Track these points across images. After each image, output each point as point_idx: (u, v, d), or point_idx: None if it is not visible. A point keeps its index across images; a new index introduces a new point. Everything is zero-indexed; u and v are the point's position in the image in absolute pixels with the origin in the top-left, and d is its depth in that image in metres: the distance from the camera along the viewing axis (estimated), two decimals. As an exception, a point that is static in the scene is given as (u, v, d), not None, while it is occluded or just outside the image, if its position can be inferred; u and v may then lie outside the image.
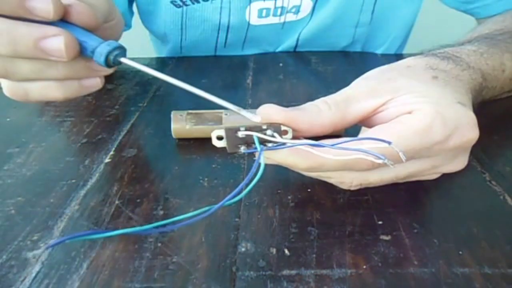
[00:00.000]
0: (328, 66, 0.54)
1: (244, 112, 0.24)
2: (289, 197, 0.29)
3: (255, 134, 0.23)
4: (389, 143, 0.22)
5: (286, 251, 0.24)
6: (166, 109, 0.41)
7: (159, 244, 0.25)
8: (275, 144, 0.23)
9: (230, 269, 0.23)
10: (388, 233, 0.25)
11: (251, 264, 0.23)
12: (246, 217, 0.27)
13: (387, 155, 0.22)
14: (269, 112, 0.24)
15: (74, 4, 0.25)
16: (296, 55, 0.60)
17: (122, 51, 0.25)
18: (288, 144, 0.23)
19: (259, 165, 0.22)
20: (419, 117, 0.24)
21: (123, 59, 0.25)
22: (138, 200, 0.29)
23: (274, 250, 0.24)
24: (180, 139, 0.36)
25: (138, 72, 0.53)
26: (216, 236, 0.25)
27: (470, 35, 0.41)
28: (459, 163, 0.27)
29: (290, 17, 0.57)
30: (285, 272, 0.23)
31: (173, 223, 0.19)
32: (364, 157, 0.22)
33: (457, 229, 0.26)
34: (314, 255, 0.24)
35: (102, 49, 0.24)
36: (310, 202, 0.28)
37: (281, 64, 0.55)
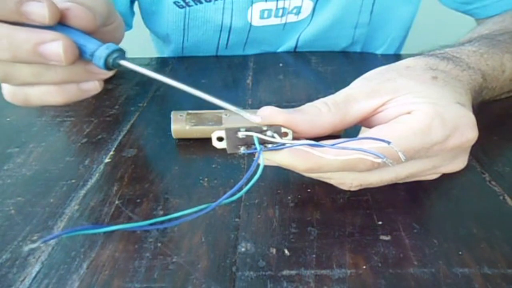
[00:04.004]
0: (328, 66, 0.54)
1: (244, 113, 0.24)
2: (289, 197, 0.29)
3: (255, 135, 0.23)
4: (389, 142, 0.22)
5: (286, 251, 0.24)
6: (166, 109, 0.41)
7: (159, 244, 0.25)
8: (274, 145, 0.23)
9: (230, 269, 0.23)
10: (388, 233, 0.26)
11: (251, 264, 0.23)
12: (246, 217, 0.27)
13: (387, 155, 0.22)
14: (269, 114, 0.24)
15: (72, 8, 0.25)
16: (296, 55, 0.60)
17: (121, 53, 0.25)
18: (288, 145, 0.23)
19: (258, 165, 0.22)
20: (419, 118, 0.24)
21: (122, 62, 0.25)
22: (138, 200, 0.29)
23: (274, 250, 0.24)
24: (180, 139, 0.36)
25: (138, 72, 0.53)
26: (216, 236, 0.25)
27: (469, 36, 0.41)
28: (459, 163, 0.27)
29: (291, 18, 0.58)
30: (285, 272, 0.23)
31: (171, 220, 0.19)
32: (363, 157, 0.22)
33: (457, 229, 0.26)
34: (314, 255, 0.24)
35: (101, 52, 0.24)
36: (310, 202, 0.28)
37: (281, 64, 0.55)
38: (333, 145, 0.23)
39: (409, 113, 0.25)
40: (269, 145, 0.23)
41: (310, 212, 0.27)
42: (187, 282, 0.22)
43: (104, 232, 0.26)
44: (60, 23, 0.25)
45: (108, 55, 0.24)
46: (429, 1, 0.60)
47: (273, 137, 0.23)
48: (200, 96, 0.24)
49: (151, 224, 0.19)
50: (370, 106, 0.26)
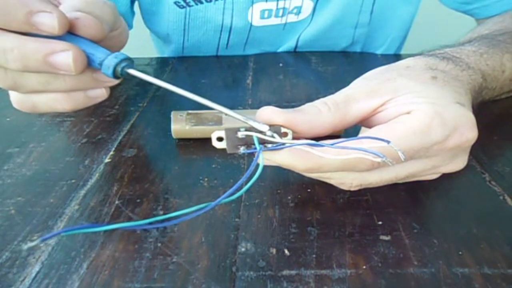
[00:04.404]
0: (328, 66, 0.54)
1: (252, 122, 0.24)
2: (289, 197, 0.29)
3: (254, 135, 0.23)
4: (388, 142, 0.22)
5: (286, 251, 0.24)
6: (166, 109, 0.41)
7: (159, 244, 0.25)
8: (274, 145, 0.23)
9: (230, 269, 0.23)
10: (388, 233, 0.26)
11: (251, 264, 0.23)
12: (246, 217, 0.27)
13: (386, 154, 0.22)
14: (268, 114, 0.24)
15: (81, 17, 0.25)
16: (296, 55, 0.60)
17: (130, 62, 0.25)
18: (287, 144, 0.23)
19: (258, 164, 0.22)
20: (418, 117, 0.24)
21: (130, 71, 0.25)
22: (138, 200, 0.29)
23: (274, 250, 0.24)
24: (180, 139, 0.36)
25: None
26: (216, 236, 0.25)
27: (469, 36, 0.41)
28: (459, 163, 0.27)
29: (292, 18, 0.58)
30: (285, 272, 0.23)
31: (170, 219, 0.19)
32: (363, 156, 0.22)
33: (457, 229, 0.26)
34: (314, 255, 0.24)
35: (109, 61, 0.25)
36: (310, 202, 0.28)
37: (281, 64, 0.55)
38: (333, 144, 0.23)
39: (408, 113, 0.25)
40: (269, 145, 0.23)
41: (310, 212, 0.27)
42: (187, 282, 0.22)
43: (104, 231, 0.26)
44: (69, 32, 0.25)
45: (117, 64, 0.25)
46: (429, 1, 0.60)
47: (272, 137, 0.23)
48: (211, 107, 0.24)
49: (150, 223, 0.19)
50: (369, 106, 0.26)
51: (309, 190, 0.29)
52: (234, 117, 0.24)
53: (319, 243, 0.25)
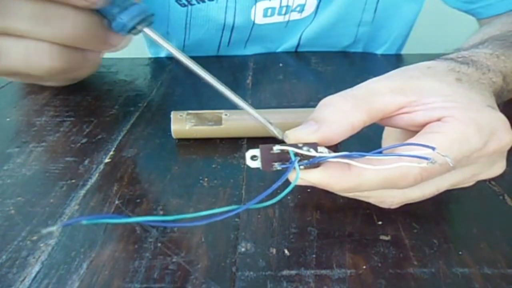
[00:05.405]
0: (328, 66, 0.54)
1: (274, 130, 0.22)
2: (289, 197, 0.29)
3: (291, 149, 0.22)
4: (433, 148, 0.21)
5: (286, 251, 0.24)
6: (166, 109, 0.41)
7: (159, 244, 0.25)
8: (311, 159, 0.22)
9: (230, 269, 0.23)
10: (388, 233, 0.26)
11: (251, 264, 0.23)
12: (246, 217, 0.27)
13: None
14: (299, 136, 0.23)
15: None
16: (296, 55, 0.60)
17: (151, 20, 0.21)
18: (327, 157, 0.22)
19: (294, 174, 0.21)
20: (453, 126, 0.23)
21: (147, 30, 0.21)
22: (138, 200, 0.29)
23: (274, 250, 0.24)
24: (180, 139, 0.36)
25: (138, 72, 0.53)
26: (216, 236, 0.25)
27: (479, 37, 0.40)
28: (497, 169, 0.26)
29: (294, 15, 0.58)
30: (285, 272, 0.23)
31: (198, 218, 0.18)
32: (408, 164, 0.21)
33: (457, 229, 0.26)
34: (314, 255, 0.24)
35: (138, 10, 0.20)
36: (310, 202, 0.28)
37: (281, 64, 0.55)
38: (373, 153, 0.22)
39: (439, 119, 0.24)
40: (305, 160, 0.22)
41: (310, 212, 0.27)
42: (187, 282, 0.22)
43: (104, 231, 0.26)
44: None
45: (142, 20, 0.21)
46: (430, 1, 0.60)
47: (309, 151, 0.22)
48: (243, 107, 0.23)
49: (174, 221, 0.18)
50: (395, 102, 0.24)
51: (309, 190, 0.29)
52: (270, 130, 0.23)
53: (319, 243, 0.25)
